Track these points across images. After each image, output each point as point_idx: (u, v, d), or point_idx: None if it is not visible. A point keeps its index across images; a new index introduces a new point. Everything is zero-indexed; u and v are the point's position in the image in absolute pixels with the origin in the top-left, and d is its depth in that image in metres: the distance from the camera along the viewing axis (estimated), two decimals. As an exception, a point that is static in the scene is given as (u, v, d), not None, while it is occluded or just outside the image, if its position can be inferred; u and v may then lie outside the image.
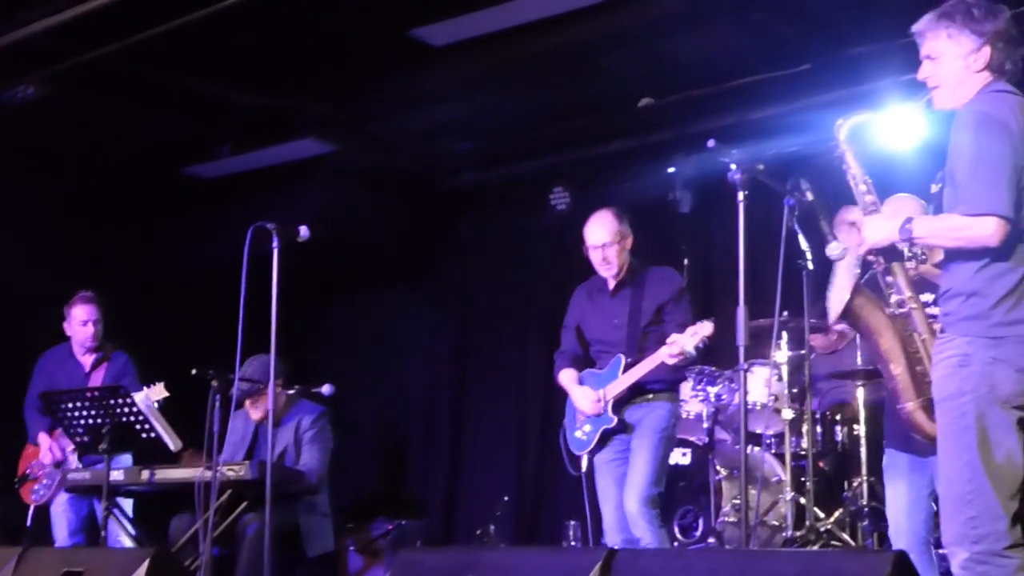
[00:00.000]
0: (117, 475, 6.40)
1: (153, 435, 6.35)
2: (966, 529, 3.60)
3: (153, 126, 8.74)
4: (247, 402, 6.70)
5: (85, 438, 6.43)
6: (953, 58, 3.86)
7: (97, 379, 7.39)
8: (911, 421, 4.01)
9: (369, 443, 10.64)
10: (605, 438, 5.93)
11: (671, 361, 5.71)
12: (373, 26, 7.27)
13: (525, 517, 9.62)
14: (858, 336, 6.48)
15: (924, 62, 3.95)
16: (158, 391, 6.84)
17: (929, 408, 3.91)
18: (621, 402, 5.89)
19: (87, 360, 7.49)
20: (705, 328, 5.68)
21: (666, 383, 5.93)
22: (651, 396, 5.89)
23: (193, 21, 6.80)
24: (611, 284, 6.10)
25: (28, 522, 7.23)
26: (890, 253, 4.02)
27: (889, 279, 4.05)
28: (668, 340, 5.70)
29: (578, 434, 6.03)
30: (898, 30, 7.00)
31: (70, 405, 6.39)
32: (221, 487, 5.88)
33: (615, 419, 5.87)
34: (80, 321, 7.44)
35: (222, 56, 7.58)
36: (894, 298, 4.04)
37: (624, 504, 5.75)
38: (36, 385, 7.43)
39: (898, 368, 4.02)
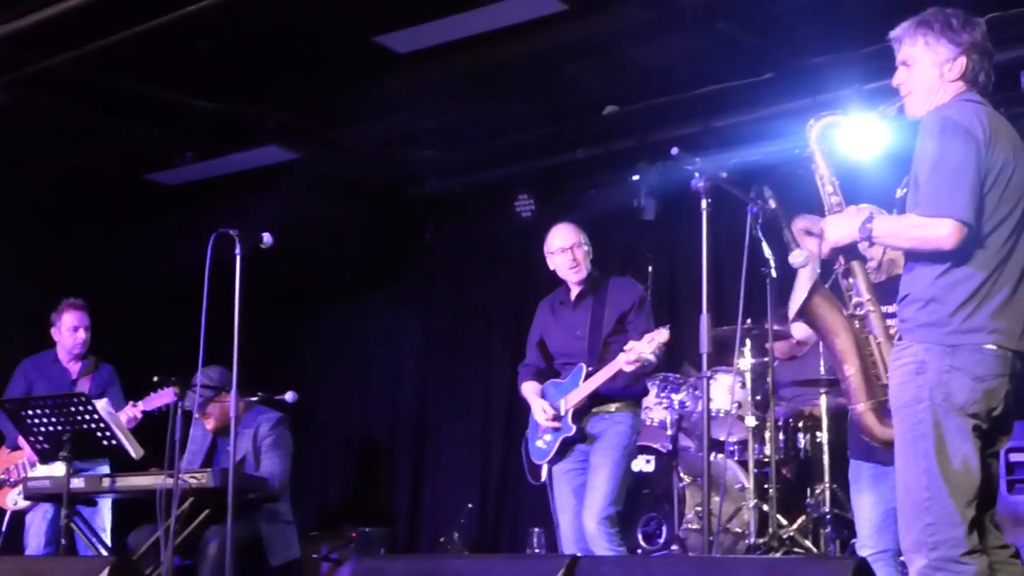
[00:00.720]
0: (78, 483, 6.34)
1: (114, 443, 6.29)
2: (923, 536, 3.60)
3: (115, 132, 8.69)
4: (197, 413, 6.66)
5: (45, 445, 6.37)
6: (928, 65, 3.87)
7: (84, 387, 7.37)
8: (861, 422, 4.02)
9: (333, 451, 10.61)
10: (565, 448, 5.93)
11: (629, 368, 5.72)
12: (337, 33, 7.26)
13: (489, 524, 9.61)
14: (821, 343, 6.52)
15: (899, 68, 3.95)
16: (166, 395, 6.77)
17: (880, 411, 3.94)
18: (582, 412, 5.89)
19: (73, 367, 7.46)
20: (661, 335, 5.70)
21: (628, 394, 5.93)
22: (613, 407, 5.90)
23: (156, 27, 6.77)
24: (572, 296, 6.12)
25: (3, 528, 7.15)
26: (851, 252, 4.04)
27: (849, 280, 4.07)
28: (625, 348, 5.71)
29: (539, 443, 6.04)
30: (860, 39, 7.12)
31: (30, 412, 6.33)
32: (182, 495, 5.83)
33: (574, 428, 5.87)
34: (70, 327, 7.45)
35: (185, 62, 7.54)
36: (853, 299, 4.06)
37: (583, 522, 5.75)
38: (14, 390, 7.38)
39: (851, 369, 4.04)
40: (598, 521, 5.68)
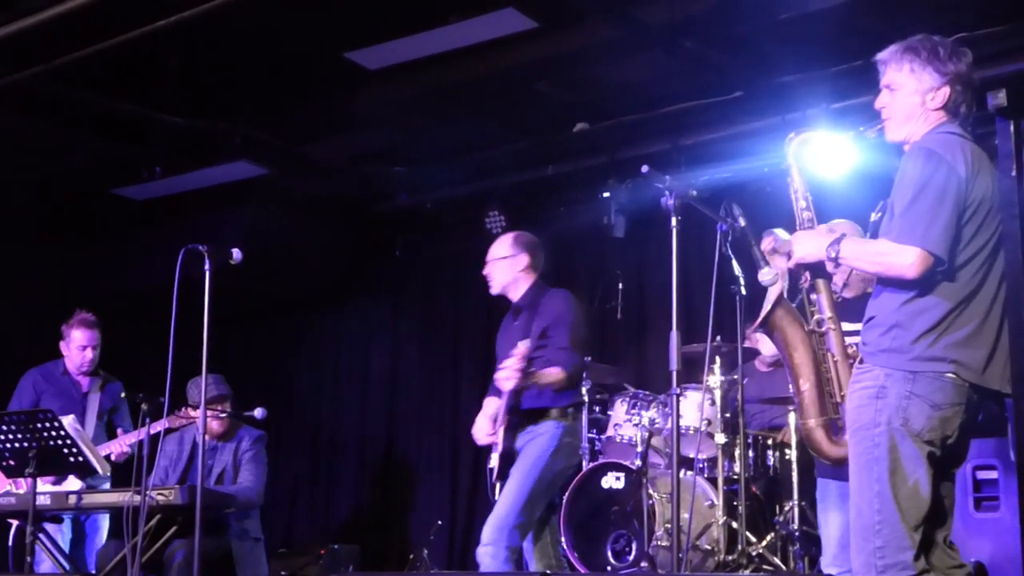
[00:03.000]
0: (43, 499, 6.29)
1: (81, 459, 6.25)
2: (873, 559, 3.63)
3: (84, 147, 8.65)
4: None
5: (11, 462, 6.31)
6: (911, 92, 3.87)
7: (95, 402, 7.30)
8: (810, 438, 4.04)
9: (302, 467, 10.58)
10: (504, 467, 5.88)
11: (506, 386, 5.63)
12: (308, 49, 7.26)
13: (458, 541, 9.59)
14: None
15: (882, 91, 3.96)
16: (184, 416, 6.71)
17: (829, 428, 3.97)
18: (513, 428, 5.84)
19: (84, 381, 7.38)
20: (519, 348, 5.60)
21: (547, 407, 5.81)
22: (537, 420, 5.79)
23: (125, 42, 6.75)
24: (513, 309, 6.12)
25: (10, 542, 7.03)
26: (817, 269, 4.06)
27: (813, 296, 4.08)
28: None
29: (492, 463, 6.03)
30: (828, 59, 7.18)
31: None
32: (150, 512, 5.80)
33: (501, 445, 5.82)
34: (79, 346, 7.33)
35: (154, 77, 7.52)
36: (815, 316, 4.08)
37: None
38: (21, 400, 7.28)
39: (806, 384, 4.06)
40: (495, 529, 5.56)
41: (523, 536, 5.65)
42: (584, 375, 6.05)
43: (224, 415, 6.71)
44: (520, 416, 5.83)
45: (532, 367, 5.69)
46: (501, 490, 5.84)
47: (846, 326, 4.15)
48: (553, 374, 5.67)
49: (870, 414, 3.68)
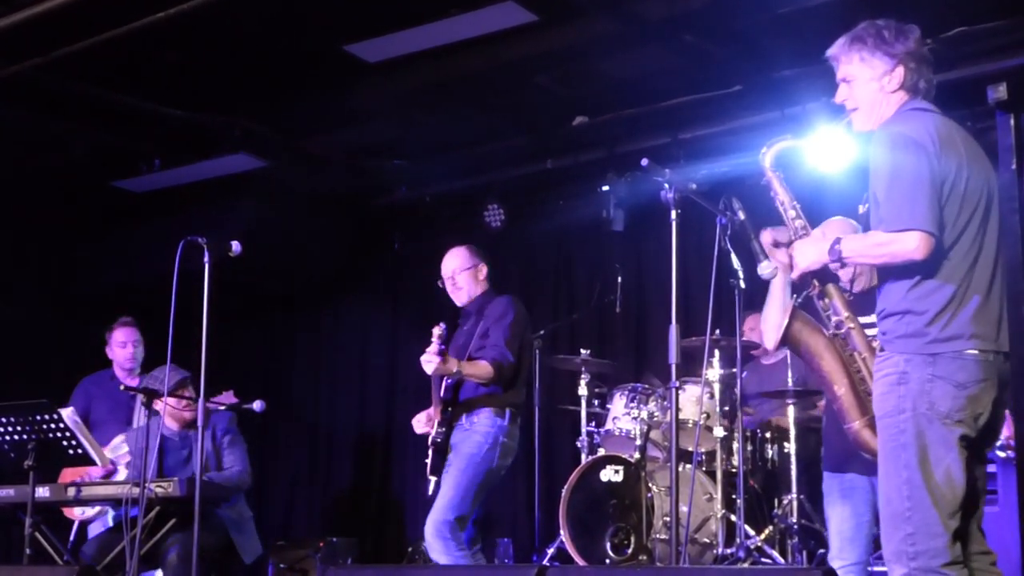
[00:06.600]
0: (43, 492, 6.29)
1: (80, 452, 6.25)
2: (904, 546, 3.60)
3: (83, 139, 8.64)
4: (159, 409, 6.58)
5: (11, 455, 6.31)
6: (867, 80, 3.91)
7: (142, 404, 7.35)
8: (858, 440, 3.99)
9: (300, 460, 10.58)
10: (437, 462, 5.93)
11: (428, 368, 5.75)
12: (307, 41, 7.25)
13: (456, 535, 9.58)
14: (789, 354, 6.55)
15: (840, 85, 4.00)
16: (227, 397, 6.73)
17: (874, 426, 3.94)
18: (450, 421, 5.91)
19: (132, 384, 7.39)
20: (435, 330, 5.72)
21: (482, 397, 5.89)
22: (471, 412, 5.89)
23: (124, 34, 6.74)
24: (464, 314, 6.18)
25: (71, 537, 7.08)
26: (823, 275, 4.05)
27: (825, 301, 4.07)
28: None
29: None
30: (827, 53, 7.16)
31: (-7, 420, 6.27)
32: (148, 504, 5.80)
33: (431, 436, 5.91)
34: (119, 343, 7.56)
35: (154, 69, 7.51)
36: (832, 319, 4.06)
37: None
38: (74, 407, 7.34)
39: (841, 388, 4.02)
40: (434, 525, 5.68)
41: (463, 528, 5.73)
42: (515, 375, 6.03)
43: (222, 407, 6.68)
44: (456, 408, 5.87)
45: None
46: (436, 485, 5.87)
47: (863, 319, 4.14)
48: (479, 366, 5.83)
49: (893, 400, 3.67)
